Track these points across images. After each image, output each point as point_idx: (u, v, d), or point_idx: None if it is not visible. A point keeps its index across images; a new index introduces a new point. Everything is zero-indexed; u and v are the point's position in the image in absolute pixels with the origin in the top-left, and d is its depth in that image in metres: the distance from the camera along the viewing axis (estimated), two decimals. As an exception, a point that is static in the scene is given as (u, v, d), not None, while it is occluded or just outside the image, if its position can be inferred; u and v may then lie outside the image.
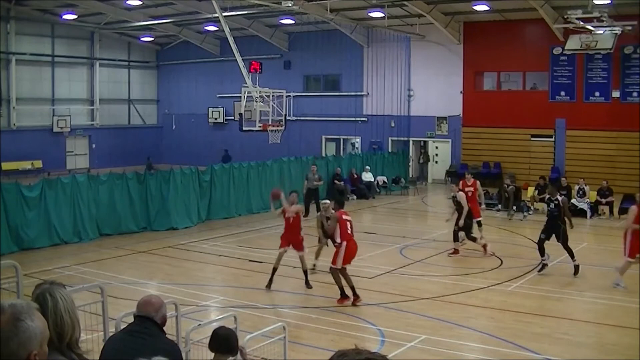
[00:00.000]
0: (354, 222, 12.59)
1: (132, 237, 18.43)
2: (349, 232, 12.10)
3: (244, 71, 23.96)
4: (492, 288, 13.12)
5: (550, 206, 14.36)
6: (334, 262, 12.00)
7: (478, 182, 17.75)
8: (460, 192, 16.09)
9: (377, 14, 29.82)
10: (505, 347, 9.80)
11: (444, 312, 11.55)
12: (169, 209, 19.73)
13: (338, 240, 12.08)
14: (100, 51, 38.34)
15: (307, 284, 13.00)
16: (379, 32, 32.45)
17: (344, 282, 11.99)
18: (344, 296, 11.95)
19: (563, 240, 14.07)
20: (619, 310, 11.81)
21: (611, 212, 21.97)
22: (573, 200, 22.24)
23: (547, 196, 14.90)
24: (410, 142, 32.93)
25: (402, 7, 28.56)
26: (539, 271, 14.35)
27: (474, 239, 16.02)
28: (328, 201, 13.76)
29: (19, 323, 2.31)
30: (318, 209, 20.41)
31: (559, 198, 14.52)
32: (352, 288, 11.93)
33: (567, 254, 14.17)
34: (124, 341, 4.43)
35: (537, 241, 14.51)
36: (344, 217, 12.21)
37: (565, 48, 26.42)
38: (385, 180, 28.84)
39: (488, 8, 28.37)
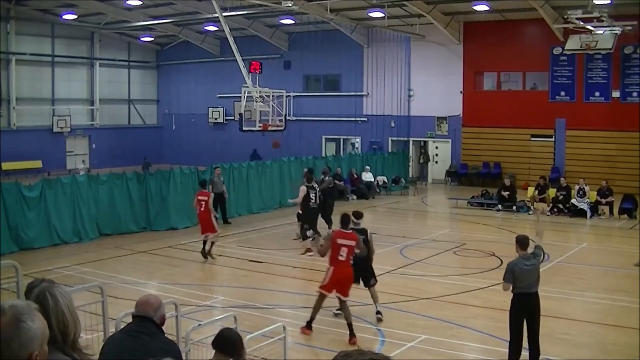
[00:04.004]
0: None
1: (132, 237, 18.43)
2: (342, 258, 10.05)
3: (244, 71, 23.97)
4: (492, 288, 13.10)
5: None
6: (322, 285, 10.36)
7: (211, 195, 16.05)
8: (303, 187, 16.54)
9: (377, 14, 29.81)
10: (505, 347, 9.75)
11: (444, 312, 11.55)
12: (168, 209, 19.73)
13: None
14: (100, 51, 38.36)
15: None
16: (379, 32, 32.44)
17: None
18: (309, 327, 10.34)
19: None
20: (619, 310, 11.82)
21: (611, 212, 21.95)
22: (573, 200, 22.24)
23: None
24: (410, 142, 32.94)
25: (402, 7, 28.55)
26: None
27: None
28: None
29: (20, 324, 2.31)
30: (224, 217, 20.22)
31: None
32: (311, 319, 10.38)
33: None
34: (122, 341, 4.41)
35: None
36: (339, 240, 10.09)
37: (565, 48, 26.42)
38: (385, 180, 28.82)
39: (488, 8, 28.36)
